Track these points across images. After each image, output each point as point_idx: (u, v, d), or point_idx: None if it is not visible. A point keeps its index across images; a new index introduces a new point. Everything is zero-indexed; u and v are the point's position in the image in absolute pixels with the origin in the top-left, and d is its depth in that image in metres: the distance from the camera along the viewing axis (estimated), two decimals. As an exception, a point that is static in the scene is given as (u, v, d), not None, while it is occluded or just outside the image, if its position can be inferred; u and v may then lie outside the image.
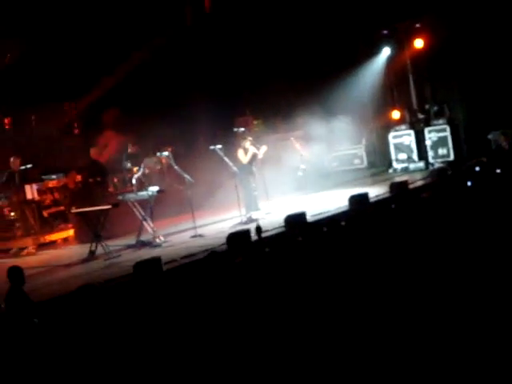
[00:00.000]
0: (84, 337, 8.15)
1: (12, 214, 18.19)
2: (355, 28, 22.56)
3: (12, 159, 18.21)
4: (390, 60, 23.40)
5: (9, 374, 7.87)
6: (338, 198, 17.07)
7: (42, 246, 17.65)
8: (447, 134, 21.73)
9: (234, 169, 17.18)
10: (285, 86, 22.81)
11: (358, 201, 15.45)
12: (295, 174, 18.62)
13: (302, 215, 14.42)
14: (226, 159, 17.17)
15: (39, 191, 18.41)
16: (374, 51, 23.36)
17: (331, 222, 11.93)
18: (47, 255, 16.86)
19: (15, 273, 10.25)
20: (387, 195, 16.79)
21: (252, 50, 22.61)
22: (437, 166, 21.17)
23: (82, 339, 8.10)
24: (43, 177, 19.07)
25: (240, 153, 17.51)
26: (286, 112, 22.66)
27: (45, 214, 18.46)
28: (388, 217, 12.81)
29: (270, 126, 22.70)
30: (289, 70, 22.76)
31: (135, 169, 17.60)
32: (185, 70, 22.06)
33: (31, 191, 18.08)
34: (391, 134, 22.55)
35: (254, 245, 12.93)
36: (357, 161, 23.98)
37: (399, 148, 22.38)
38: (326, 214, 15.58)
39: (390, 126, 22.99)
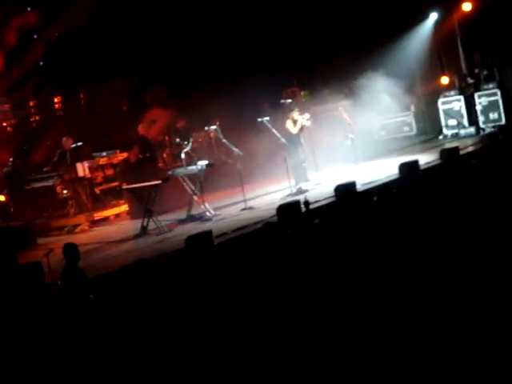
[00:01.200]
0: (139, 311, 8.25)
1: (65, 192, 18.42)
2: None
3: (64, 139, 18.43)
4: (438, 25, 23.06)
5: (66, 349, 8.01)
6: (388, 167, 16.95)
7: (95, 223, 17.86)
8: (498, 98, 21.38)
9: (283, 140, 17.16)
10: (332, 56, 22.61)
11: (408, 169, 15.31)
12: (344, 144, 18.48)
13: (351, 185, 14.35)
14: (274, 131, 17.16)
15: (90, 169, 18.62)
16: (421, 17, 23.04)
17: (381, 190, 11.83)
18: (100, 232, 17.07)
19: (70, 250, 10.41)
20: (438, 162, 16.61)
21: (299, 21, 22.43)
22: (488, 130, 20.88)
23: (136, 314, 8.20)
24: (94, 154, 19.27)
25: (288, 124, 17.49)
26: (333, 82, 22.47)
27: (97, 190, 18.68)
28: (439, 184, 12.66)
29: (318, 96, 22.56)
30: (336, 39, 22.54)
31: (184, 143, 17.67)
32: (231, 43, 21.99)
33: (83, 169, 18.28)
34: (440, 100, 22.25)
35: (304, 216, 12.91)
36: (406, 128, 23.74)
37: (449, 114, 22.08)
38: (376, 183, 15.50)
39: (439, 91, 22.68)
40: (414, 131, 23.64)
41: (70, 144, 18.38)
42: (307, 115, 17.70)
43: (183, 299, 8.58)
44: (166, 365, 7.19)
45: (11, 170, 18.25)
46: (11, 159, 18.45)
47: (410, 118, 23.66)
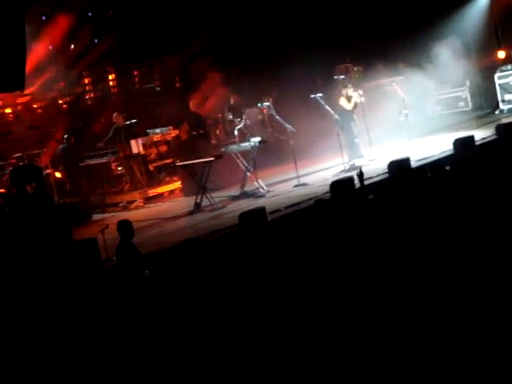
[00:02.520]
0: (192, 289, 8.31)
1: (119, 168, 18.63)
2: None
3: (115, 115, 18.60)
4: (495, -3, 22.67)
5: (122, 326, 8.11)
6: (443, 143, 16.75)
7: (149, 200, 18.03)
8: (558, 71, 20.97)
9: (336, 116, 17.08)
10: (385, 30, 22.38)
11: (463, 144, 15.07)
12: (397, 120, 18.31)
13: (405, 161, 14.20)
14: (327, 107, 17.09)
15: (144, 145, 18.77)
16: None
17: (436, 167, 11.68)
18: (154, 208, 17.24)
19: (125, 226, 10.53)
20: (493, 138, 16.36)
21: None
22: (545, 105, 20.51)
23: (191, 291, 8.26)
24: (148, 131, 19.41)
25: (342, 100, 17.41)
26: (386, 58, 22.24)
27: (151, 167, 18.85)
28: (495, 160, 12.46)
29: (371, 72, 22.36)
30: (388, 14, 22.29)
31: (237, 120, 17.70)
32: (284, 19, 21.88)
33: (137, 146, 18.45)
34: (497, 75, 21.84)
35: (357, 192, 12.85)
36: (461, 103, 23.39)
37: (505, 88, 21.67)
38: (430, 159, 15.35)
39: (496, 66, 22.29)
40: (470, 106, 23.28)
41: (121, 120, 18.54)
42: (361, 91, 17.59)
43: (236, 276, 8.62)
44: (222, 342, 7.24)
45: (66, 146, 18.48)
46: (66, 136, 18.67)
47: (465, 93, 23.29)
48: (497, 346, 6.32)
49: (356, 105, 17.49)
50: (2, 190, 13.32)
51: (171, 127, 19.52)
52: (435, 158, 15.46)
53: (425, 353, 6.38)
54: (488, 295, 7.08)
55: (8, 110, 19.78)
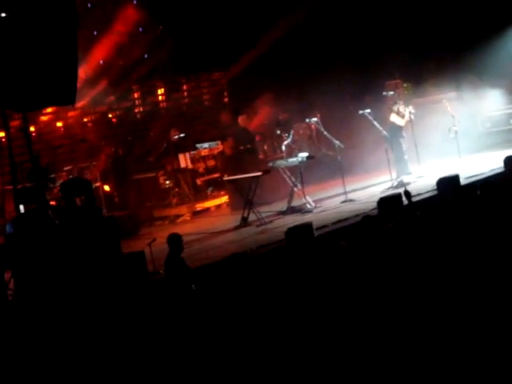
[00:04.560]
0: (238, 303, 8.31)
1: (167, 182, 18.75)
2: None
3: (172, 131, 18.79)
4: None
5: (168, 338, 8.14)
6: (493, 160, 16.56)
7: (197, 214, 18.12)
8: None
9: (385, 133, 17.03)
10: (435, 48, 22.25)
11: (514, 162, 14.90)
12: (447, 137, 18.17)
13: (454, 178, 14.10)
14: (375, 123, 17.05)
15: (192, 159, 18.88)
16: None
17: (485, 184, 11.56)
18: (201, 222, 17.30)
19: (175, 240, 10.60)
20: (545, 157, 16.11)
21: (401, 12, 22.15)
22: None
23: (236, 306, 8.27)
24: (196, 145, 19.52)
25: (393, 116, 17.43)
26: (436, 74, 22.10)
27: (198, 181, 18.95)
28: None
29: (420, 88, 22.24)
30: (440, 31, 22.16)
31: (285, 135, 17.71)
32: (333, 34, 21.88)
33: (185, 160, 18.57)
34: (551, 93, 21.56)
35: (405, 209, 12.76)
36: (512, 121, 23.15)
37: (559, 108, 21.38)
38: (480, 177, 15.20)
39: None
40: (521, 124, 23.03)
41: (175, 135, 18.69)
42: (411, 108, 17.55)
43: (283, 291, 8.61)
44: (265, 357, 7.23)
45: (116, 160, 18.68)
46: (116, 150, 18.88)
47: (517, 111, 23.05)
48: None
49: (408, 121, 17.45)
50: (53, 203, 13.48)
51: (219, 142, 19.60)
52: (485, 175, 15.31)
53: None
54: None
55: (59, 124, 20.04)
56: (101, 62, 20.29)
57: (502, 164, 14.97)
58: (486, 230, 9.29)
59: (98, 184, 17.63)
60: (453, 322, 7.11)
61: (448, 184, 13.65)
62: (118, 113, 21.84)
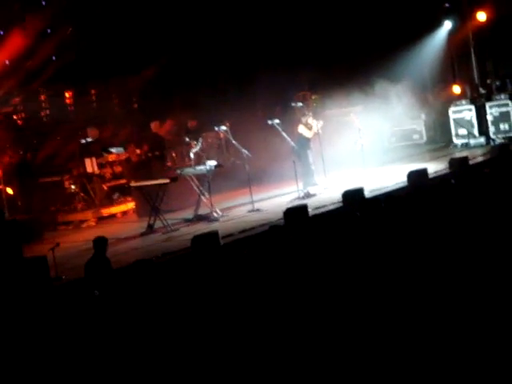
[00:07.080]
0: (141, 310, 8.25)
1: (73, 187, 18.46)
2: (417, 1, 22.24)
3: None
4: (452, 33, 23.08)
5: (67, 344, 8.00)
6: (397, 174, 16.92)
7: (102, 219, 17.89)
8: (509, 109, 21.29)
9: (292, 144, 17.18)
10: (344, 60, 22.63)
11: (417, 176, 15.23)
12: (353, 150, 18.47)
13: (359, 191, 14.32)
14: (283, 134, 17.18)
15: (99, 165, 18.66)
16: (435, 25, 23.04)
17: (389, 197, 11.82)
18: (107, 228, 17.05)
19: (100, 242, 10.90)
20: (447, 171, 16.57)
21: (311, 25, 22.44)
22: (498, 141, 20.82)
23: (138, 312, 8.20)
24: (103, 151, 19.29)
25: (301, 128, 17.60)
26: (344, 87, 22.46)
27: (105, 187, 18.71)
28: (447, 193, 12.63)
29: (329, 101, 22.56)
30: (347, 44, 22.55)
31: (193, 143, 17.67)
32: (243, 44, 22.00)
33: (91, 165, 18.32)
34: (451, 109, 22.15)
35: (311, 220, 12.90)
36: (416, 136, 23.74)
37: (459, 123, 21.98)
38: (385, 190, 15.47)
39: (451, 100, 22.64)
40: (424, 139, 23.65)
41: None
42: (321, 123, 17.78)
43: (187, 298, 8.58)
44: (165, 364, 7.19)
45: (21, 163, 18.30)
46: (21, 152, 18.49)
47: (420, 126, 23.66)
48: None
49: (315, 133, 17.64)
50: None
51: (130, 146, 19.41)
52: (389, 188, 15.59)
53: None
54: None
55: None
56: (6, 62, 19.85)
57: (405, 178, 15.36)
58: (391, 242, 9.48)
59: (0, 187, 17.23)
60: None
61: (353, 196, 13.88)
62: (23, 115, 21.39)
